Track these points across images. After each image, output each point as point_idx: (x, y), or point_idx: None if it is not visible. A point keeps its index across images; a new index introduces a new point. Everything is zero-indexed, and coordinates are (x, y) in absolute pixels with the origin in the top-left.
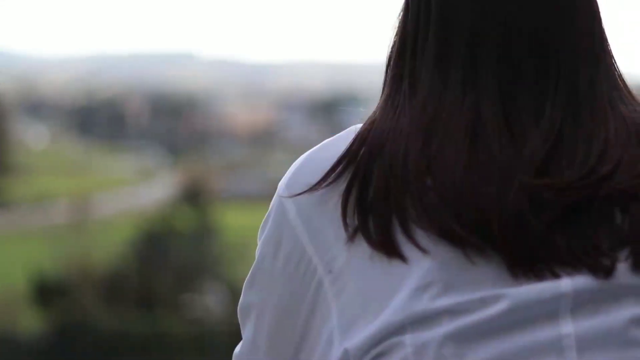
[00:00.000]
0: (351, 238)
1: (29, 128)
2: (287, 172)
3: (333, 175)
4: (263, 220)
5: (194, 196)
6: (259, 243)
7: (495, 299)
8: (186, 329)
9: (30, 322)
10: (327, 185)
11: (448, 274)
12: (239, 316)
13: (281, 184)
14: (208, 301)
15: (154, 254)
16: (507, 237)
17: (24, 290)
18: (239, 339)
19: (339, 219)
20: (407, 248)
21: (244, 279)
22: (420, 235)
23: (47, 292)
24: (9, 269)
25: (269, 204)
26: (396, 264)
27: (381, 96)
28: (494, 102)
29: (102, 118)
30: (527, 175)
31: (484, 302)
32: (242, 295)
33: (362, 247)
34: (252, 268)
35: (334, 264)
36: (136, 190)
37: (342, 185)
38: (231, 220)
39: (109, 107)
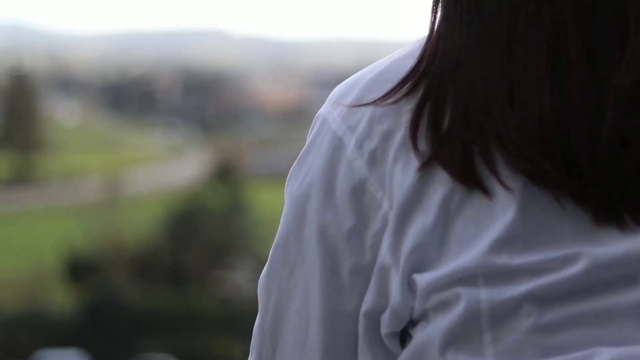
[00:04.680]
0: (424, 166)
1: (60, 105)
2: (338, 87)
3: (399, 93)
4: (301, 154)
5: (224, 173)
6: (293, 181)
7: (574, 258)
8: (217, 306)
9: (61, 300)
10: (393, 104)
11: (530, 226)
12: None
13: (330, 99)
14: (239, 278)
15: (185, 231)
16: (597, 179)
17: (55, 267)
18: None
19: (407, 143)
20: (490, 182)
21: None
22: (505, 173)
23: (78, 270)
24: (40, 247)
25: None
26: (477, 200)
27: (434, 14)
28: (573, 16)
29: (133, 95)
30: (618, 112)
31: (563, 262)
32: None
33: (437, 177)
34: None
35: (400, 195)
36: (167, 168)
37: (410, 105)
38: (262, 197)
39: (139, 84)
